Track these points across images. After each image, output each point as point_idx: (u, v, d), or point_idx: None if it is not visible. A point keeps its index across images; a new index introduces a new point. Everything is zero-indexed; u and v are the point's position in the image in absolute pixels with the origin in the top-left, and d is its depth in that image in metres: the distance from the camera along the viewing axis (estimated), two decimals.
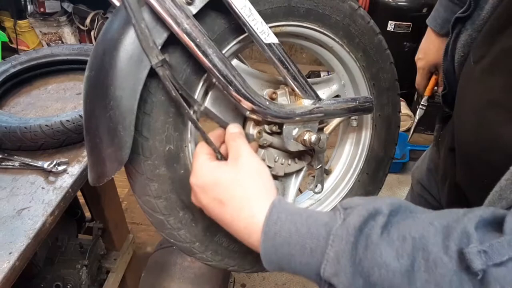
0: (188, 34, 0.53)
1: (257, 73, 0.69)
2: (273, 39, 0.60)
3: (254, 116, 0.64)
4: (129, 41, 0.53)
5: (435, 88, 1.09)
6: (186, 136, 0.62)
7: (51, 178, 0.95)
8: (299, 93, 0.68)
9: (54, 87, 1.26)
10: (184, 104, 0.56)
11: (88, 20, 3.24)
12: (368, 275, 0.44)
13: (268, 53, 0.61)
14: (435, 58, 1.01)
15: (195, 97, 0.60)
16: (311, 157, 0.78)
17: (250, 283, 2.02)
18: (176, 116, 0.60)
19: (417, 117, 1.15)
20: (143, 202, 0.63)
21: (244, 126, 0.67)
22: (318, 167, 0.78)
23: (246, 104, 0.60)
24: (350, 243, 0.45)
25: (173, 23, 0.53)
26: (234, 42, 0.62)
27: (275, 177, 0.75)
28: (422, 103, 1.11)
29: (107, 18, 3.11)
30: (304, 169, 0.80)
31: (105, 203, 1.43)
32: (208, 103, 0.63)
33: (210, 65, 0.56)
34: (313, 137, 0.68)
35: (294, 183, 0.81)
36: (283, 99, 0.69)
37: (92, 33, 3.29)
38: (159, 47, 0.53)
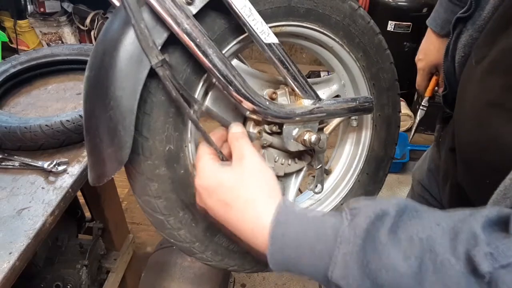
0: (188, 34, 0.53)
1: (257, 73, 0.69)
2: (273, 39, 0.60)
3: (254, 116, 0.64)
4: (129, 41, 0.53)
5: (436, 88, 1.09)
6: (186, 136, 0.62)
7: (51, 178, 0.95)
8: (299, 93, 0.68)
9: (54, 87, 1.26)
10: (185, 104, 0.56)
11: (88, 20, 3.24)
12: (376, 276, 0.43)
13: (268, 53, 0.61)
14: (436, 59, 1.01)
15: (195, 97, 0.60)
16: (311, 157, 0.78)
17: (250, 283, 2.01)
18: (176, 116, 0.59)
19: (417, 118, 1.15)
20: (143, 202, 0.63)
21: (244, 126, 0.67)
22: (318, 167, 0.78)
23: (246, 104, 0.60)
24: (358, 245, 0.44)
25: (173, 23, 0.53)
26: (234, 42, 0.62)
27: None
28: (422, 103, 1.12)
29: (107, 18, 3.12)
30: (304, 169, 0.80)
31: (105, 203, 1.43)
32: (208, 103, 0.63)
33: (210, 65, 0.56)
34: (313, 137, 0.68)
35: (294, 183, 0.81)
36: (283, 99, 0.69)
37: (92, 33, 3.29)
38: (159, 47, 0.53)
